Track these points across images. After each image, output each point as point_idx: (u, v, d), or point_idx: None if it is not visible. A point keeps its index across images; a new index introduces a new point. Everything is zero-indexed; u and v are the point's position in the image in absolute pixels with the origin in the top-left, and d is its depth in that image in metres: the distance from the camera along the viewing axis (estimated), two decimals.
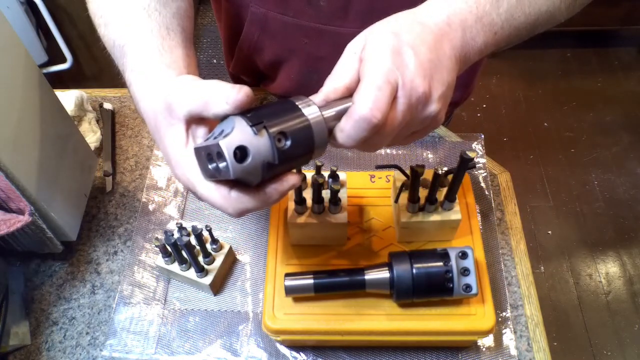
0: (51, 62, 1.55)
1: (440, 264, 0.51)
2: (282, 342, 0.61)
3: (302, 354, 0.60)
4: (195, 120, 0.41)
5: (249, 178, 0.37)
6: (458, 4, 0.43)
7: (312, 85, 0.78)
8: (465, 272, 0.51)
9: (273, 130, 0.36)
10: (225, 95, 0.37)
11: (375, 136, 0.39)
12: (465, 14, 0.43)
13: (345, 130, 0.38)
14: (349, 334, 0.54)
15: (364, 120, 0.37)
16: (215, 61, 2.26)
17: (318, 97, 0.40)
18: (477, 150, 0.76)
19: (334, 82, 0.41)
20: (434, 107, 0.40)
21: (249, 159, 0.35)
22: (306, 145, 0.38)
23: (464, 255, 0.51)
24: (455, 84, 0.42)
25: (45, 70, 1.53)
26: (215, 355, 0.61)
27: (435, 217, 0.55)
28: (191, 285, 0.65)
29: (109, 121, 0.82)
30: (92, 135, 0.79)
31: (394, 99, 0.38)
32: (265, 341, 0.61)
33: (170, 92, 0.41)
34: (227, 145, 0.35)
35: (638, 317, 1.63)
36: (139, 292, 0.66)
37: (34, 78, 0.60)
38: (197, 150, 0.39)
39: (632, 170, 1.96)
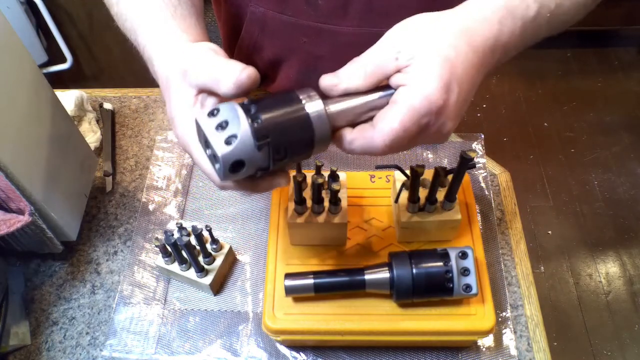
0: (51, 62, 1.55)
1: (440, 264, 0.51)
2: (282, 342, 0.61)
3: (302, 354, 0.60)
4: (206, 90, 0.41)
5: (238, 177, 0.37)
6: (507, 22, 0.41)
7: (311, 84, 0.78)
8: (465, 272, 0.51)
9: (276, 148, 0.36)
10: (234, 75, 0.37)
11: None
12: (512, 38, 0.41)
13: (354, 145, 0.39)
14: (349, 334, 0.54)
15: (375, 149, 0.38)
16: None
17: (337, 89, 0.40)
18: (477, 150, 0.76)
19: (360, 79, 0.40)
20: (446, 135, 0.40)
21: (243, 170, 0.36)
22: (305, 154, 0.38)
23: (464, 255, 0.51)
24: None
25: (45, 70, 1.53)
26: (215, 355, 0.61)
27: (435, 217, 0.55)
28: (191, 285, 0.65)
29: (109, 121, 0.82)
30: (92, 135, 0.79)
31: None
32: (265, 341, 0.61)
33: (186, 58, 0.41)
34: (225, 159, 0.35)
35: (638, 317, 1.63)
36: (139, 292, 0.66)
37: (34, 78, 0.60)
38: (198, 126, 0.38)
39: (632, 170, 1.96)
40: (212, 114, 0.36)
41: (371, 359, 0.60)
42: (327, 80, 0.40)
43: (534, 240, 1.79)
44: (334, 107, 0.39)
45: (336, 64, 0.72)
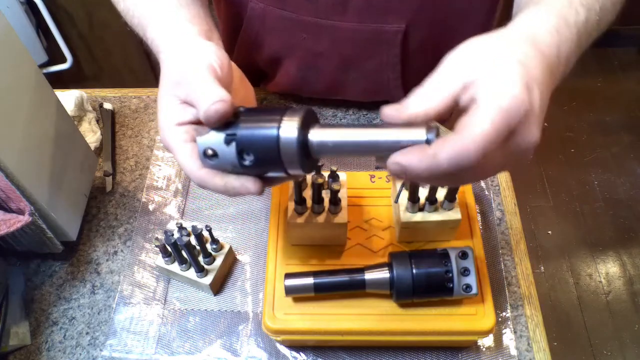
0: (51, 62, 1.55)
1: (440, 264, 0.51)
2: (282, 342, 0.61)
3: (302, 354, 0.60)
4: (188, 103, 0.43)
5: (221, 170, 0.40)
6: (564, 30, 0.39)
7: (310, 81, 0.79)
8: (465, 272, 0.51)
9: (239, 146, 0.38)
10: (206, 104, 0.39)
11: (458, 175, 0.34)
12: (570, 45, 0.39)
13: (440, 157, 0.33)
14: (349, 334, 0.54)
15: (467, 157, 0.32)
16: None
17: (401, 117, 0.35)
18: None
19: (424, 106, 0.35)
20: (533, 145, 0.35)
21: (217, 160, 0.39)
22: (273, 162, 0.38)
23: (464, 255, 0.51)
24: None
25: (45, 70, 1.53)
26: (215, 355, 0.61)
27: (435, 217, 0.55)
28: (191, 285, 0.65)
29: (109, 121, 0.82)
30: (92, 135, 0.79)
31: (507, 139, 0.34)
32: (265, 341, 0.61)
33: (183, 69, 0.43)
34: (199, 143, 0.39)
35: (638, 317, 1.63)
36: (139, 292, 0.66)
37: (34, 78, 0.60)
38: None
39: (632, 170, 1.96)
40: None
41: (371, 359, 0.60)
42: (390, 109, 0.37)
43: (534, 240, 1.79)
44: (317, 135, 0.38)
45: (336, 60, 0.73)
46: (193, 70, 0.42)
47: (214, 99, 0.38)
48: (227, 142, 0.38)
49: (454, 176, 0.34)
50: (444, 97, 0.35)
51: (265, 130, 0.37)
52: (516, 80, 0.33)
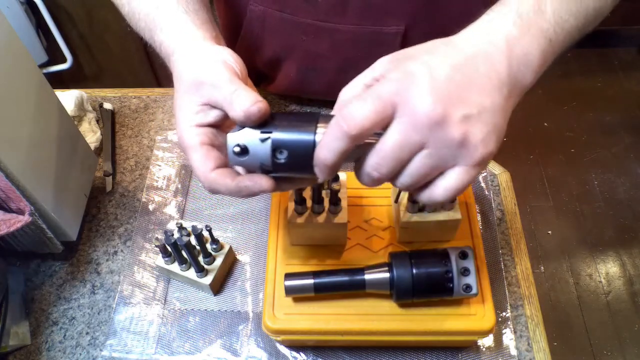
0: (51, 62, 1.55)
1: (440, 264, 0.51)
2: (282, 342, 0.61)
3: (302, 354, 0.60)
4: (213, 105, 0.43)
5: (248, 169, 0.42)
6: (497, 20, 0.40)
7: (310, 83, 0.79)
8: (465, 272, 0.51)
9: (275, 144, 0.39)
10: (245, 106, 0.39)
11: (372, 159, 0.37)
12: (508, 28, 0.39)
13: (323, 141, 0.37)
14: (349, 334, 0.54)
15: (336, 125, 0.35)
16: None
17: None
18: None
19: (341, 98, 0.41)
20: (454, 130, 0.34)
21: (246, 157, 0.40)
22: (304, 164, 0.39)
23: (464, 255, 0.51)
24: (504, 109, 0.38)
25: (45, 70, 1.53)
26: (215, 355, 0.61)
27: (435, 217, 0.55)
28: (191, 285, 0.65)
29: (109, 121, 0.82)
30: (92, 135, 0.79)
31: (391, 115, 0.36)
32: (265, 341, 0.61)
33: (205, 70, 0.43)
34: (230, 139, 0.40)
35: (638, 317, 1.63)
36: (139, 292, 0.66)
37: (34, 78, 0.60)
38: None
39: (632, 170, 1.96)
40: None
41: (371, 359, 0.60)
42: None
43: (534, 240, 1.79)
44: None
45: (335, 62, 0.73)
46: (216, 72, 0.42)
47: (253, 99, 0.40)
48: (263, 139, 0.39)
49: (371, 166, 0.37)
50: (357, 86, 0.41)
51: (301, 130, 0.39)
52: (395, 69, 0.37)
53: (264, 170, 0.41)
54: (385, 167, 0.37)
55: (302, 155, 0.39)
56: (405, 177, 0.37)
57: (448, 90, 0.35)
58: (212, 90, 0.42)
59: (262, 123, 0.40)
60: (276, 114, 0.41)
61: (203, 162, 0.42)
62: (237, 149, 0.40)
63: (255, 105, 0.39)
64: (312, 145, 0.38)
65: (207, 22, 0.50)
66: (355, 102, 0.36)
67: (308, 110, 0.44)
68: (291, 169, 0.40)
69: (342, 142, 0.36)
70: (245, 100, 0.40)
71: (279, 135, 0.39)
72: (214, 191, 0.42)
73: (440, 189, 0.38)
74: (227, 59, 0.44)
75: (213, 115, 0.43)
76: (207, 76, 0.42)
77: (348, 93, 0.42)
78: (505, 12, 0.40)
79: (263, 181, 0.41)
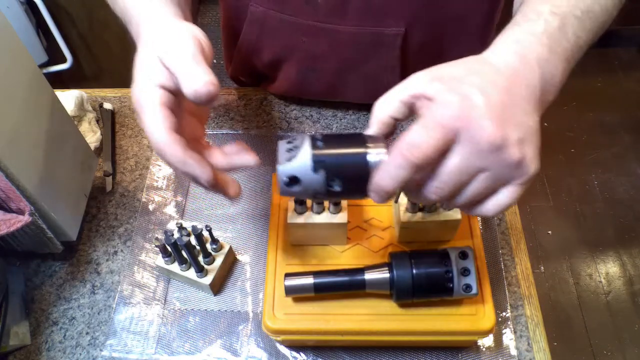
0: (51, 62, 1.55)
1: (440, 264, 0.51)
2: (282, 342, 0.61)
3: (302, 354, 0.60)
4: (169, 84, 0.42)
5: (300, 197, 0.42)
6: (526, 38, 0.40)
7: (310, 84, 0.79)
8: (465, 272, 0.51)
9: (329, 172, 0.39)
10: (196, 84, 0.39)
11: (430, 184, 0.37)
12: (538, 49, 0.40)
13: (384, 167, 0.37)
14: (349, 334, 0.54)
15: (400, 155, 0.35)
16: (215, 61, 2.26)
17: (369, 131, 0.41)
18: None
19: (380, 114, 0.41)
20: (512, 152, 0.35)
21: (298, 187, 0.40)
22: (359, 189, 0.40)
23: (464, 255, 0.51)
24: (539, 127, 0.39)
25: (45, 70, 1.53)
26: (215, 355, 0.61)
27: (435, 217, 0.55)
28: (191, 285, 0.65)
29: (109, 121, 0.82)
30: (92, 135, 0.79)
31: (453, 143, 0.36)
32: (265, 341, 0.61)
33: (173, 39, 0.43)
34: (281, 172, 0.40)
35: (638, 317, 1.63)
36: (139, 292, 0.66)
37: (34, 78, 0.60)
38: (277, 146, 0.43)
39: (632, 170, 1.96)
40: (289, 141, 0.42)
41: (371, 359, 0.60)
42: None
43: (534, 240, 1.79)
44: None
45: (335, 63, 0.73)
46: (184, 43, 0.42)
47: (207, 80, 0.39)
48: (315, 169, 0.39)
49: (428, 190, 0.38)
50: (393, 102, 0.40)
51: (354, 157, 0.39)
52: (449, 91, 0.36)
53: (317, 197, 0.41)
54: (445, 191, 0.38)
55: (357, 182, 0.39)
56: (462, 198, 0.39)
57: (503, 113, 0.36)
58: (174, 60, 0.41)
59: (313, 144, 0.40)
60: (322, 138, 0.41)
61: (158, 124, 0.41)
62: (288, 180, 0.40)
63: (206, 87, 0.39)
64: (367, 172, 0.38)
65: (182, 9, 0.50)
66: (419, 130, 0.36)
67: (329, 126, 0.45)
68: (344, 195, 0.41)
69: (406, 171, 0.36)
70: (199, 80, 0.39)
71: (332, 164, 0.39)
72: (162, 157, 0.42)
73: (494, 206, 0.39)
74: (197, 35, 0.43)
75: (175, 82, 0.42)
76: (173, 45, 0.42)
77: (385, 111, 0.41)
78: (534, 31, 0.41)
79: (205, 173, 0.42)
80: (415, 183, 0.39)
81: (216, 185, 0.44)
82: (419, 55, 0.70)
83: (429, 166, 0.37)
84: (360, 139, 0.40)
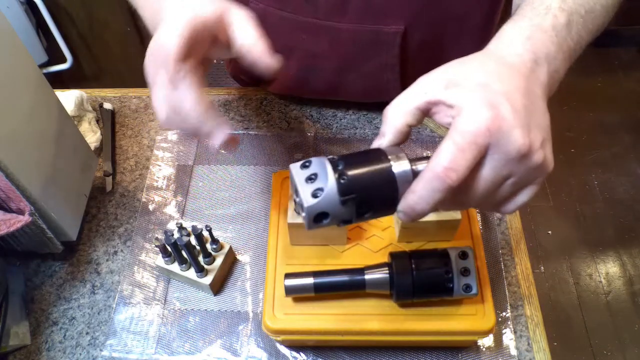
0: (51, 62, 1.55)
1: (440, 264, 0.51)
2: (282, 342, 0.61)
3: (302, 354, 0.60)
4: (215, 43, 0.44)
5: (322, 226, 0.40)
6: (537, 34, 0.40)
7: (310, 82, 0.79)
8: (465, 272, 0.51)
9: (360, 202, 0.37)
10: (266, 55, 0.42)
11: (458, 197, 0.37)
12: (548, 45, 0.40)
13: (417, 191, 0.36)
14: (349, 334, 0.54)
15: (436, 179, 0.34)
16: (215, 61, 2.26)
17: (384, 141, 0.40)
18: None
19: (394, 122, 0.39)
20: (537, 156, 0.36)
21: (326, 220, 0.38)
22: (388, 209, 0.39)
23: (464, 255, 0.51)
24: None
25: (45, 70, 1.53)
26: (215, 355, 0.61)
27: (435, 217, 0.55)
28: (191, 285, 0.65)
29: (109, 121, 0.82)
30: (92, 135, 0.79)
31: (483, 156, 0.35)
32: (265, 341, 0.61)
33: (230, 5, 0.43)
34: (310, 211, 0.37)
35: (638, 317, 1.63)
36: (139, 292, 0.66)
37: (34, 78, 0.60)
38: (291, 175, 0.41)
39: (632, 170, 1.96)
40: (304, 166, 0.40)
41: (371, 359, 0.60)
42: (375, 143, 0.40)
43: (534, 240, 1.79)
44: (419, 165, 0.38)
45: (335, 61, 0.73)
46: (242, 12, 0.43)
47: (268, 56, 0.42)
48: (344, 202, 0.37)
49: (454, 200, 0.37)
50: (407, 108, 0.39)
51: (382, 178, 0.37)
52: (475, 101, 0.35)
53: (345, 224, 0.40)
54: (475, 202, 0.38)
55: (387, 204, 0.38)
56: (486, 204, 0.39)
57: (527, 119, 0.36)
58: (236, 22, 0.43)
59: (336, 173, 0.37)
60: (343, 162, 0.38)
61: (164, 105, 0.42)
62: (316, 216, 0.38)
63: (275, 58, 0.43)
64: (396, 189, 0.37)
65: None
66: (454, 151, 0.34)
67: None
68: (373, 217, 0.40)
69: (442, 193, 0.35)
70: (266, 50, 0.42)
71: (361, 193, 0.37)
72: (174, 112, 0.42)
73: (514, 205, 0.40)
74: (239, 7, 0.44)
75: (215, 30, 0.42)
76: (233, 6, 0.43)
77: (401, 118, 0.39)
78: (544, 26, 0.41)
79: (220, 136, 0.42)
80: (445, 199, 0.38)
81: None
82: (419, 54, 0.70)
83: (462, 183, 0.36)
84: (381, 156, 0.38)
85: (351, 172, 0.37)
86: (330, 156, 0.39)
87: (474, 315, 0.53)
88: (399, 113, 0.39)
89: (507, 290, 0.64)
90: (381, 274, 0.52)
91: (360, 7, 0.65)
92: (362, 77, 0.74)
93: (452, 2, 0.65)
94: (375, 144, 0.41)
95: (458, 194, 0.36)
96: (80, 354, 0.62)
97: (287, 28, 0.70)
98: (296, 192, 0.39)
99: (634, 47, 2.33)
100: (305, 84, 0.78)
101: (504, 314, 0.62)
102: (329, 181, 0.37)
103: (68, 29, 1.56)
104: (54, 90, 0.65)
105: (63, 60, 1.54)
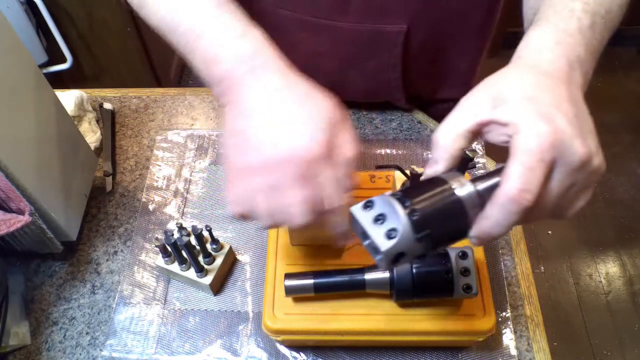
0: (51, 62, 1.55)
1: (440, 264, 0.51)
2: (282, 342, 0.61)
3: (302, 354, 0.60)
4: None
5: (399, 265, 0.39)
6: (566, 39, 0.40)
7: (311, 82, 0.78)
8: (465, 272, 0.51)
9: (435, 237, 0.36)
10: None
11: (529, 215, 0.36)
12: (577, 49, 0.40)
13: (492, 216, 0.35)
14: (349, 334, 0.54)
15: (512, 203, 0.34)
16: None
17: (439, 167, 0.39)
18: (477, 150, 0.76)
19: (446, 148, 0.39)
20: (596, 162, 0.36)
21: (403, 259, 0.37)
22: (460, 237, 0.38)
23: (464, 255, 0.51)
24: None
25: (45, 70, 1.53)
26: (215, 355, 0.61)
27: None
28: (191, 285, 0.65)
29: (109, 121, 0.82)
30: (92, 135, 0.79)
31: (551, 170, 0.35)
32: (265, 341, 0.61)
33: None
34: (389, 254, 0.36)
35: (638, 317, 1.63)
36: (139, 292, 0.66)
37: (34, 78, 0.60)
38: (353, 218, 0.39)
39: (632, 170, 1.96)
40: (366, 206, 0.38)
41: (371, 359, 0.60)
42: (429, 171, 0.40)
43: (534, 240, 1.79)
44: (482, 186, 0.38)
45: (337, 60, 0.73)
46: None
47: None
48: (420, 239, 0.36)
49: (525, 217, 0.36)
50: (459, 132, 0.38)
51: (453, 209, 0.37)
52: (530, 117, 0.35)
53: (420, 258, 0.39)
54: (543, 215, 0.38)
55: (460, 234, 0.38)
56: (551, 214, 0.39)
57: (580, 126, 0.36)
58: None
59: (399, 201, 0.37)
60: (407, 197, 0.37)
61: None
62: (394, 258, 0.37)
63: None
64: (466, 216, 0.37)
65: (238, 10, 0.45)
66: (524, 172, 0.34)
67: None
68: (447, 246, 0.40)
69: (518, 215, 0.35)
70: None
71: (435, 229, 0.36)
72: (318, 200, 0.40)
73: (574, 210, 0.39)
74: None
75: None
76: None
77: (455, 144, 0.39)
78: (570, 30, 0.41)
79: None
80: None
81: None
82: (420, 53, 0.70)
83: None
84: (443, 184, 0.37)
85: (420, 207, 0.36)
86: (389, 192, 0.38)
87: (474, 315, 0.53)
88: (450, 138, 0.39)
89: (507, 290, 0.64)
90: (381, 274, 0.52)
91: (362, 7, 0.64)
92: (364, 77, 0.74)
93: (453, 0, 0.65)
94: (430, 172, 0.40)
95: (528, 211, 0.36)
96: (80, 354, 0.62)
97: (288, 27, 0.69)
98: (364, 235, 0.38)
99: (634, 47, 2.33)
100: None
101: (504, 314, 0.62)
102: (402, 220, 0.36)
103: (68, 29, 1.56)
104: (54, 90, 0.65)
105: (63, 60, 1.54)
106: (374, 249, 0.37)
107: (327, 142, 0.39)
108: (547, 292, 1.68)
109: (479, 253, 0.57)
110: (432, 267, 0.51)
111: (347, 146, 0.40)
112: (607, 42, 0.46)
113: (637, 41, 2.32)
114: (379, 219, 0.37)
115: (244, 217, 0.42)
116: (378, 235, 0.36)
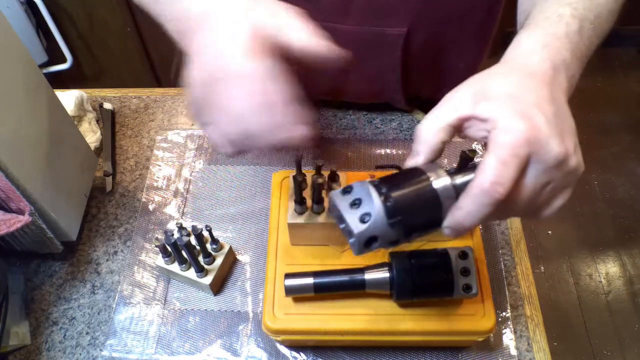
0: (51, 62, 1.55)
1: (440, 264, 0.51)
2: (282, 342, 0.61)
3: (302, 354, 0.60)
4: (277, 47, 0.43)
5: (371, 250, 0.40)
6: (553, 42, 0.41)
7: (312, 83, 0.78)
8: (465, 272, 0.51)
9: (408, 223, 0.37)
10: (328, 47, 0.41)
11: (503, 209, 0.37)
12: (563, 52, 0.41)
13: (465, 206, 0.36)
14: (349, 334, 0.54)
15: (484, 194, 0.35)
16: None
17: (419, 159, 0.40)
18: (477, 150, 0.76)
19: (427, 143, 0.40)
20: (572, 161, 0.37)
21: (376, 244, 0.38)
22: (434, 226, 0.39)
23: (464, 255, 0.51)
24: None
25: (45, 70, 1.53)
26: (215, 355, 0.61)
27: None
28: (191, 285, 0.65)
29: (109, 121, 0.82)
30: (92, 135, 0.79)
31: (524, 167, 0.36)
32: (265, 341, 0.61)
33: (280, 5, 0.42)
34: (360, 236, 0.37)
35: (638, 317, 1.63)
36: (139, 292, 0.66)
37: (34, 78, 0.60)
38: (332, 202, 0.40)
39: (632, 170, 1.96)
40: (345, 191, 0.40)
41: (371, 359, 0.60)
42: (410, 162, 0.41)
43: (534, 240, 1.79)
44: (459, 179, 0.39)
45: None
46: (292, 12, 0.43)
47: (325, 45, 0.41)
48: (393, 225, 0.37)
49: (499, 212, 0.37)
50: (439, 126, 0.39)
51: (427, 198, 0.37)
52: (509, 113, 0.36)
53: (393, 245, 0.40)
54: (517, 211, 0.38)
55: (433, 221, 0.38)
56: (528, 212, 0.39)
57: (558, 126, 0.36)
58: (292, 26, 0.43)
59: (376, 187, 0.38)
60: (385, 185, 0.38)
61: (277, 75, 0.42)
62: (366, 241, 0.38)
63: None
64: (440, 206, 0.38)
65: None
66: (498, 166, 0.35)
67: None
68: (420, 236, 0.40)
69: (490, 208, 0.36)
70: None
71: (408, 215, 0.37)
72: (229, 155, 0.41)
73: (552, 210, 0.40)
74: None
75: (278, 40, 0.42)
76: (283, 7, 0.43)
77: (436, 137, 0.40)
78: (558, 34, 0.41)
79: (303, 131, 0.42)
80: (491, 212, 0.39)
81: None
82: (420, 55, 0.70)
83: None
84: (420, 174, 0.38)
85: (395, 194, 0.37)
86: (369, 179, 0.40)
87: (474, 315, 0.53)
88: (432, 131, 0.40)
89: (507, 290, 0.64)
90: (381, 274, 0.52)
91: (363, 9, 0.64)
92: (364, 79, 0.74)
93: (454, 2, 0.65)
94: (410, 163, 0.41)
95: (501, 205, 0.37)
96: (80, 354, 0.62)
97: None
98: (340, 218, 0.39)
99: (634, 47, 2.33)
100: (306, 84, 0.78)
101: (504, 314, 0.62)
102: (376, 205, 0.37)
103: (68, 29, 1.56)
104: (54, 90, 0.65)
105: (63, 60, 1.54)
106: (348, 232, 0.39)
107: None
108: (547, 292, 1.68)
109: (479, 253, 0.57)
110: (432, 267, 0.51)
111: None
112: (597, 46, 0.46)
113: (636, 41, 2.32)
114: (355, 203, 0.38)
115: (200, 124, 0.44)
116: (352, 219, 0.38)
